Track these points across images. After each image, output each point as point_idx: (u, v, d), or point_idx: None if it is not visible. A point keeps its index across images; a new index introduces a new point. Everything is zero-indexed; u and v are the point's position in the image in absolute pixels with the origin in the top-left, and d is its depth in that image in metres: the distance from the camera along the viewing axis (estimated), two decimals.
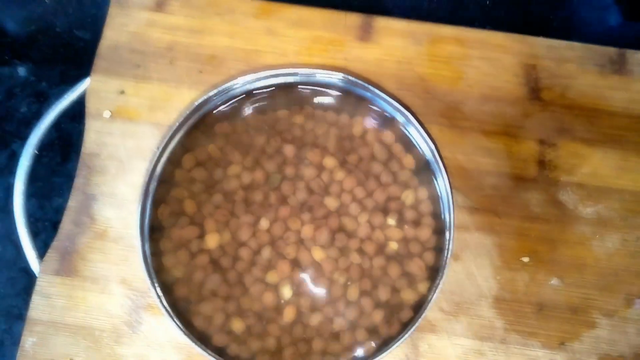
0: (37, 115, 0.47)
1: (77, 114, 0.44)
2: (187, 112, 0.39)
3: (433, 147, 0.39)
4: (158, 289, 0.35)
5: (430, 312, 0.39)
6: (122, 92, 0.44)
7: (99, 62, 0.44)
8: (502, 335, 0.39)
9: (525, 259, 0.40)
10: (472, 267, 0.40)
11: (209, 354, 0.34)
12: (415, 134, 0.40)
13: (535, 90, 0.44)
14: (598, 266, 0.40)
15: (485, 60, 0.44)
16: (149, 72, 0.44)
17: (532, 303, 0.39)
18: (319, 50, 0.45)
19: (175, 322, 0.34)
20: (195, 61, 0.44)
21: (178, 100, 0.43)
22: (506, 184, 0.42)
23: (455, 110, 0.43)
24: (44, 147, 0.44)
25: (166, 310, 0.35)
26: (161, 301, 0.35)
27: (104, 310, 0.39)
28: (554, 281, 0.40)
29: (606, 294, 0.39)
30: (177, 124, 0.39)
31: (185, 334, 0.34)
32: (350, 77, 0.40)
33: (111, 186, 0.42)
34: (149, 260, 0.36)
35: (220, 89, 0.40)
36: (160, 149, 0.38)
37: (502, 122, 0.43)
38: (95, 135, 0.43)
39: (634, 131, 0.43)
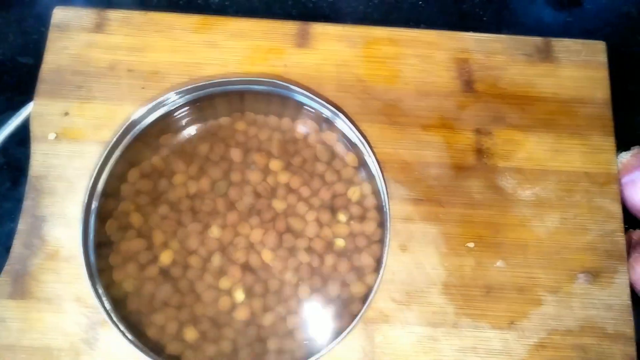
0: None
1: (23, 138, 0.45)
2: (124, 126, 0.40)
3: (366, 144, 0.40)
4: (107, 304, 0.35)
5: (382, 303, 0.40)
6: (67, 114, 0.44)
7: (41, 86, 0.45)
8: (454, 320, 0.40)
9: (471, 245, 0.41)
10: (420, 256, 0.41)
11: None
12: (344, 127, 0.41)
13: (469, 83, 0.45)
14: (540, 246, 0.42)
15: (418, 57, 0.46)
16: (92, 92, 0.45)
17: (479, 286, 0.40)
18: (259, 59, 0.46)
19: (126, 336, 0.35)
20: (137, 78, 0.45)
21: (122, 118, 0.44)
22: (447, 174, 0.43)
23: (394, 108, 0.45)
24: None
25: (115, 325, 0.35)
26: (110, 317, 0.35)
27: (60, 329, 0.39)
28: (499, 263, 0.41)
29: (550, 272, 0.41)
30: (115, 139, 0.40)
31: (136, 346, 0.34)
32: (284, 83, 0.42)
33: (60, 207, 0.42)
34: (95, 276, 0.36)
35: (157, 101, 0.41)
36: (99, 165, 0.39)
37: (439, 115, 0.45)
38: (42, 157, 0.43)
39: (563, 115, 0.45)
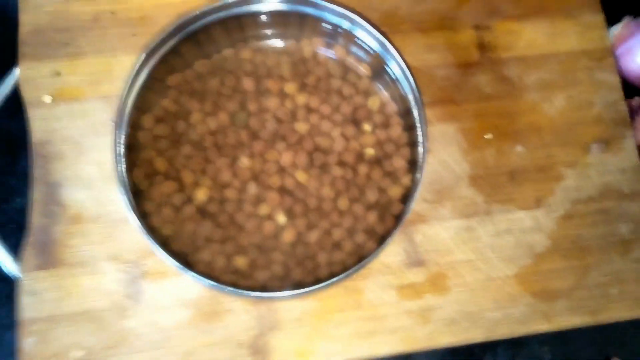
0: None
1: (12, 110, 0.42)
2: (132, 75, 0.38)
3: (382, 39, 0.40)
4: (158, 246, 0.35)
5: (416, 205, 0.41)
6: (58, 74, 0.42)
7: (24, 49, 0.42)
8: (485, 208, 0.42)
9: (489, 136, 0.43)
10: (444, 155, 0.42)
11: (223, 285, 0.34)
12: (363, 35, 0.41)
13: None
14: (552, 125, 0.44)
15: None
16: (81, 47, 0.43)
17: (504, 173, 0.42)
18: None
19: (182, 267, 0.34)
20: (125, 26, 0.43)
21: (118, 68, 0.43)
22: (455, 73, 0.44)
23: (393, 17, 0.45)
24: None
25: (173, 259, 0.34)
26: (166, 252, 0.35)
27: (100, 290, 0.38)
28: (519, 148, 0.43)
29: (565, 148, 0.43)
30: (126, 89, 0.38)
31: (193, 274, 0.34)
32: None
33: (74, 169, 0.40)
34: (141, 222, 0.35)
35: (154, 45, 0.39)
36: (116, 118, 0.37)
37: (437, 17, 0.45)
38: (42, 122, 0.41)
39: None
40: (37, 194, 0.40)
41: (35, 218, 0.39)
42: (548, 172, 0.43)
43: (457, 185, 0.42)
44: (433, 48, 0.44)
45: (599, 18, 0.46)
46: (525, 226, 0.41)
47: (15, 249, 0.39)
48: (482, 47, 0.45)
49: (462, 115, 0.43)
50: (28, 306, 0.38)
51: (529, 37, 0.45)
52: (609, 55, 0.45)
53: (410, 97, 0.39)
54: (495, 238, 0.41)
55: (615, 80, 0.45)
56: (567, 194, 0.42)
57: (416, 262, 0.40)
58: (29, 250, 0.39)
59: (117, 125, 0.37)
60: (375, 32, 0.40)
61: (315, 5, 0.40)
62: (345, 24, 0.41)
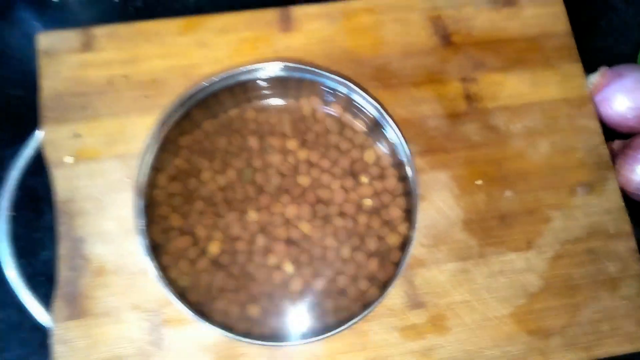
0: None
1: (35, 168, 0.46)
2: (149, 139, 0.42)
3: (377, 105, 0.43)
4: (175, 297, 0.38)
5: (415, 250, 0.44)
6: (78, 136, 0.46)
7: (45, 113, 0.46)
8: (479, 251, 0.44)
9: (479, 182, 0.46)
10: (438, 201, 0.45)
11: (237, 336, 0.37)
12: (359, 98, 0.44)
13: (446, 37, 0.50)
14: (539, 170, 0.47)
15: (396, 22, 0.50)
16: (97, 110, 0.46)
17: (495, 217, 0.45)
18: (249, 50, 0.48)
19: (198, 317, 0.37)
20: (138, 89, 0.47)
21: (132, 129, 0.46)
22: (445, 123, 0.47)
23: (383, 72, 0.49)
24: (14, 207, 0.45)
25: (185, 304, 0.37)
26: (183, 303, 0.38)
27: (125, 337, 0.41)
28: (508, 193, 0.46)
29: (551, 191, 0.46)
30: (143, 152, 0.42)
31: (209, 323, 0.37)
32: (290, 64, 0.44)
33: (95, 224, 0.44)
34: (160, 274, 0.38)
35: (168, 111, 0.42)
36: (138, 177, 0.41)
37: (425, 72, 0.49)
38: (64, 182, 0.44)
39: (533, 51, 0.50)
40: (62, 249, 0.43)
41: (63, 271, 0.42)
42: (536, 214, 0.46)
43: (452, 230, 0.45)
44: (423, 100, 0.48)
45: (577, 67, 0.49)
46: (517, 267, 0.44)
47: (45, 299, 0.42)
48: (469, 98, 0.48)
49: (453, 162, 0.47)
50: (61, 354, 0.41)
51: (512, 87, 0.49)
52: (589, 102, 0.49)
53: (402, 153, 0.42)
54: (490, 279, 0.44)
55: (596, 126, 0.48)
56: (556, 235, 0.45)
57: (417, 304, 0.43)
58: (58, 301, 0.42)
59: (137, 185, 0.40)
60: (369, 98, 0.44)
61: (313, 73, 0.44)
62: (342, 89, 0.44)
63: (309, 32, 0.49)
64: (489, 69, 0.49)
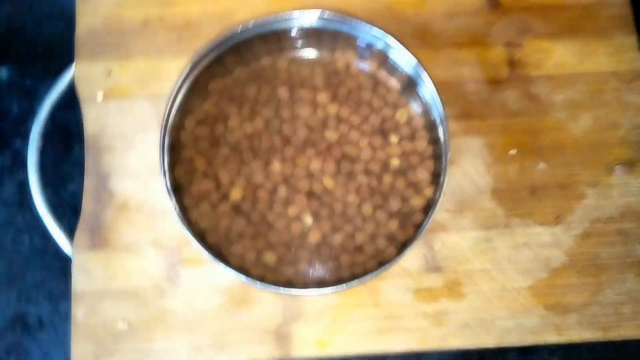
0: (30, 111, 0.49)
1: (67, 103, 0.46)
2: (179, 81, 0.42)
3: (414, 62, 0.42)
4: (195, 238, 0.38)
5: (438, 214, 0.43)
6: (109, 73, 0.46)
7: (80, 49, 0.46)
8: (505, 221, 0.43)
9: (513, 152, 0.45)
10: (468, 167, 0.44)
11: (253, 280, 0.38)
12: (396, 55, 0.43)
13: None
14: (577, 144, 0.45)
15: None
16: (130, 49, 0.47)
17: (525, 188, 0.44)
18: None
19: (215, 258, 0.38)
20: (172, 31, 0.47)
21: (164, 70, 0.46)
22: (484, 88, 0.46)
23: (425, 31, 0.47)
24: (44, 140, 0.46)
25: (207, 250, 0.38)
26: (201, 244, 0.38)
27: (142, 272, 0.42)
28: (541, 165, 0.44)
29: (588, 167, 0.44)
30: (173, 94, 0.41)
31: (225, 265, 0.38)
32: (328, 13, 0.43)
33: (122, 161, 0.44)
34: (181, 215, 0.39)
35: (199, 55, 0.42)
36: (165, 117, 0.41)
37: (469, 33, 0.47)
38: (94, 118, 0.45)
39: (586, 19, 0.47)
40: (88, 183, 0.44)
41: (87, 204, 0.43)
42: (569, 190, 0.44)
43: (479, 198, 0.44)
44: (464, 63, 0.46)
45: (632, 40, 0.47)
46: (543, 241, 0.43)
47: (68, 229, 0.43)
48: (512, 64, 0.46)
49: (488, 129, 0.45)
50: (80, 281, 0.42)
51: (560, 56, 0.46)
52: (639, 78, 0.46)
53: (436, 115, 0.41)
54: (513, 251, 0.43)
55: None
56: (587, 212, 0.44)
57: (434, 268, 0.43)
58: (81, 232, 0.43)
59: (163, 125, 0.41)
60: (408, 55, 0.42)
61: (350, 24, 0.42)
62: (380, 44, 0.43)
63: None
64: (536, 35, 0.47)
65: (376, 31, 0.42)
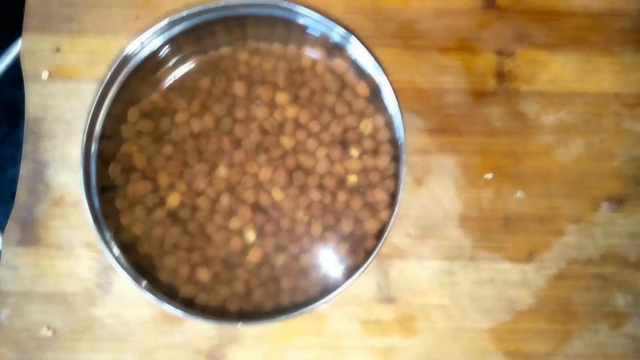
0: None
1: (16, 78, 0.43)
2: (118, 61, 0.38)
3: (381, 70, 0.38)
4: (115, 250, 0.35)
5: (397, 239, 0.39)
6: (58, 50, 0.42)
7: (29, 20, 0.43)
8: (471, 253, 0.40)
9: (489, 175, 0.40)
10: (437, 189, 0.40)
11: (175, 307, 0.35)
12: (364, 59, 0.38)
13: None
14: (563, 174, 0.40)
15: None
16: (84, 24, 0.43)
17: (498, 218, 0.40)
18: None
19: (134, 281, 0.35)
20: (130, 7, 0.43)
21: (117, 51, 0.42)
22: (466, 100, 0.41)
23: (409, 30, 0.42)
24: None
25: (125, 270, 0.35)
26: (119, 262, 0.35)
27: (73, 275, 0.39)
28: (519, 194, 0.40)
29: (572, 201, 0.40)
30: (109, 75, 0.38)
31: (148, 291, 0.35)
32: (289, 4, 0.39)
33: (61, 150, 0.41)
34: (101, 222, 0.36)
35: (151, 31, 0.38)
36: (94, 104, 0.38)
37: (457, 36, 0.42)
38: (37, 98, 0.42)
39: (594, 30, 0.42)
40: (24, 171, 0.41)
41: (21, 194, 0.41)
42: (547, 224, 0.40)
43: (445, 224, 0.40)
44: (447, 70, 0.42)
45: None
46: (510, 279, 0.39)
47: (3, 218, 0.41)
48: (501, 75, 0.41)
49: (464, 148, 0.41)
50: (6, 279, 0.39)
51: (557, 70, 0.41)
52: None
53: (397, 125, 0.37)
54: (476, 286, 0.39)
55: None
56: (565, 251, 0.40)
57: (387, 298, 0.39)
58: (12, 225, 0.40)
59: (91, 114, 0.37)
60: (365, 52, 0.38)
61: (309, 17, 0.38)
62: (338, 38, 0.38)
63: None
64: (533, 43, 0.42)
65: (340, 29, 0.38)
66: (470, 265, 0.40)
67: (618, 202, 0.40)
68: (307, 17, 0.39)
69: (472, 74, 0.41)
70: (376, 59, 0.38)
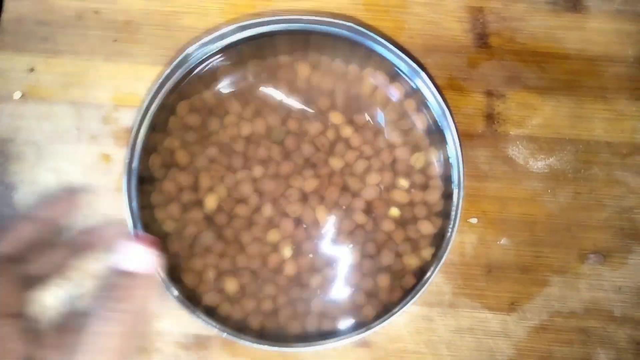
0: None
1: None
2: (178, 58, 0.39)
3: (444, 105, 0.39)
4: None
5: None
6: (32, 70, 0.42)
7: (3, 38, 0.43)
8: (451, 300, 0.40)
9: (474, 220, 0.40)
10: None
11: (198, 316, 0.35)
12: (425, 90, 0.39)
13: (482, 37, 0.42)
14: (550, 222, 0.40)
15: (426, 6, 0.43)
16: (59, 45, 0.43)
17: (480, 265, 0.40)
18: (244, 7, 0.42)
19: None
20: (108, 29, 0.43)
21: (94, 75, 0.42)
22: None
23: None
24: None
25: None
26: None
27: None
28: (503, 241, 0.40)
29: (558, 251, 0.40)
30: (168, 71, 0.39)
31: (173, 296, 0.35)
32: (365, 30, 0.39)
33: (31, 173, 0.41)
34: (135, 214, 0.37)
35: (216, 34, 0.39)
36: (152, 94, 0.38)
37: (447, 74, 0.42)
38: (8, 119, 0.42)
39: (588, 75, 0.42)
40: None
41: None
42: (531, 274, 0.40)
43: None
44: None
45: (636, 106, 0.42)
46: (490, 329, 0.39)
47: None
48: (490, 117, 0.42)
49: None
50: None
51: (548, 114, 0.42)
52: (637, 153, 0.41)
53: (456, 167, 0.38)
54: (455, 335, 0.39)
55: (637, 184, 0.41)
56: (547, 303, 0.40)
57: (362, 342, 0.39)
58: None
59: (151, 100, 0.38)
60: (437, 97, 0.39)
61: (386, 47, 0.40)
62: (409, 72, 0.40)
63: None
64: (524, 86, 0.42)
65: (410, 63, 0.39)
66: (450, 312, 0.40)
67: (605, 254, 0.40)
68: (373, 42, 0.40)
69: (460, 115, 0.42)
70: (442, 94, 0.39)
